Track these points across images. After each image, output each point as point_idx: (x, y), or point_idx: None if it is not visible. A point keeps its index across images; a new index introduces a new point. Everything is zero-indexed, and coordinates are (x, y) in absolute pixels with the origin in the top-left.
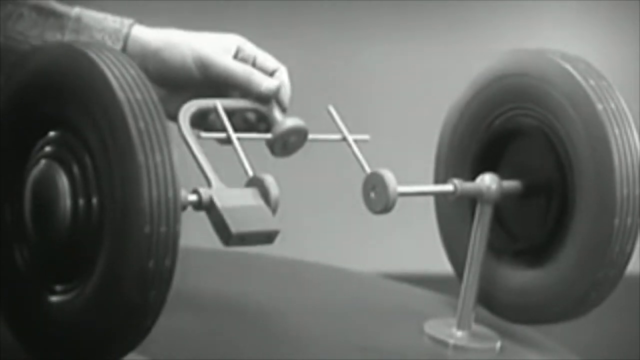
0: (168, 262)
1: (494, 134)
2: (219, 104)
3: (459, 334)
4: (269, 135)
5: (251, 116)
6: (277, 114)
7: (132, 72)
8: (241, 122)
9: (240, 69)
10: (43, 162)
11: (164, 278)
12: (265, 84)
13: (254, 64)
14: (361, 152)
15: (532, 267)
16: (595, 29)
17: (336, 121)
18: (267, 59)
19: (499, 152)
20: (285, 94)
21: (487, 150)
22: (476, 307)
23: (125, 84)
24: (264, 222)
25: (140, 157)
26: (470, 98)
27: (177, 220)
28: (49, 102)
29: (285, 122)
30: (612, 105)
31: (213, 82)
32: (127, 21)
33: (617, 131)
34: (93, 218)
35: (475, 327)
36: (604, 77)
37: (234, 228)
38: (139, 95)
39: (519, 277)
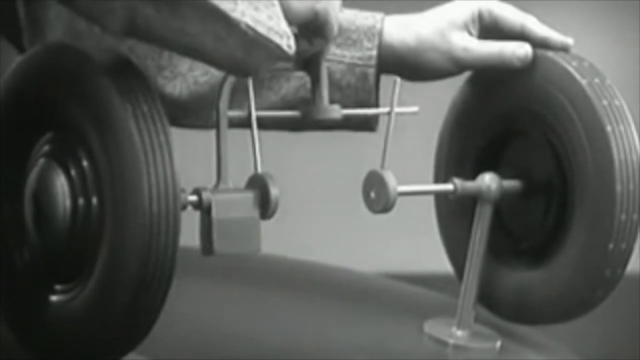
0: (165, 277)
1: (494, 134)
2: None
3: (459, 333)
4: (296, 113)
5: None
6: None
7: (140, 81)
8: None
9: (487, 53)
10: (43, 164)
11: (160, 293)
12: (516, 51)
13: (496, 25)
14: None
15: (532, 267)
16: (596, 29)
17: (395, 93)
18: (509, 17)
19: (499, 151)
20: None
21: (487, 149)
22: (476, 307)
23: (132, 95)
24: (247, 244)
25: (144, 175)
26: (469, 96)
27: (176, 233)
28: (53, 105)
29: (323, 113)
30: (612, 104)
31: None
32: (378, 15)
33: (616, 130)
34: (92, 225)
35: (475, 326)
36: (604, 76)
37: (217, 249)
38: (145, 108)
39: (519, 277)
